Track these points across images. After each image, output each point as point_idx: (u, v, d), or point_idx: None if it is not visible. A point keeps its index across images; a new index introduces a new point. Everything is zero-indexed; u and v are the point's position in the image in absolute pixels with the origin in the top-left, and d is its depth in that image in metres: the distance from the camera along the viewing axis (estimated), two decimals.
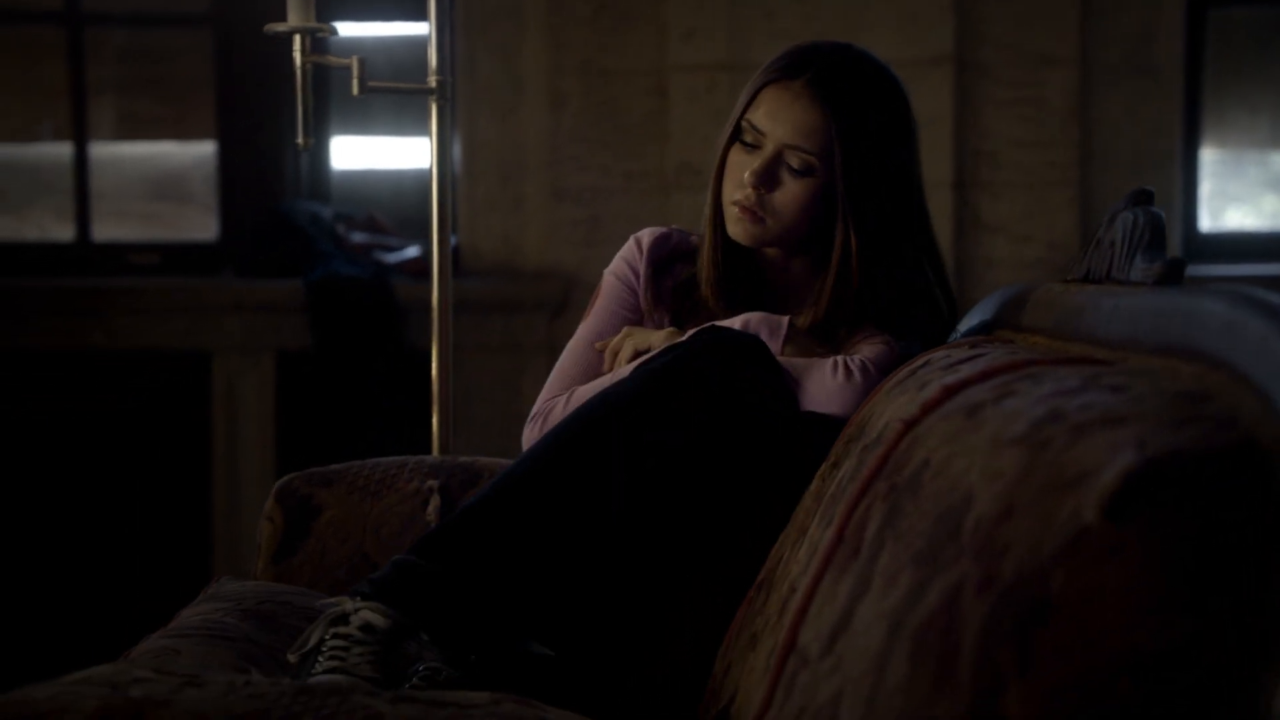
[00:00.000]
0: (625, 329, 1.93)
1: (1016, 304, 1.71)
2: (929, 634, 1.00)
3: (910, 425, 1.30)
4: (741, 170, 1.84)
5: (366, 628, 1.57)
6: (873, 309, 1.87)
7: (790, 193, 1.83)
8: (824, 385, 1.78)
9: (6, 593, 4.00)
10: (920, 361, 1.63)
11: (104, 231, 4.23)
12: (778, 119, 1.82)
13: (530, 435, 1.90)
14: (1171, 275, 1.30)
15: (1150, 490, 0.89)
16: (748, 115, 1.85)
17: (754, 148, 1.85)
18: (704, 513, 1.67)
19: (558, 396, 1.92)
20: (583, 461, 1.67)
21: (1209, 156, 4.03)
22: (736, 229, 1.86)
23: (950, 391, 1.30)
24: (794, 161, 1.83)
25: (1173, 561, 0.89)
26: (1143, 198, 1.44)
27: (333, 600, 1.63)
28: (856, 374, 1.78)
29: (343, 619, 1.58)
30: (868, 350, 1.83)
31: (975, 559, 0.99)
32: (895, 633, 1.05)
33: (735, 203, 1.85)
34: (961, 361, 1.45)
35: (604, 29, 3.90)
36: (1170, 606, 0.88)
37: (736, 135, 1.86)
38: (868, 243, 1.84)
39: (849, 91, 1.82)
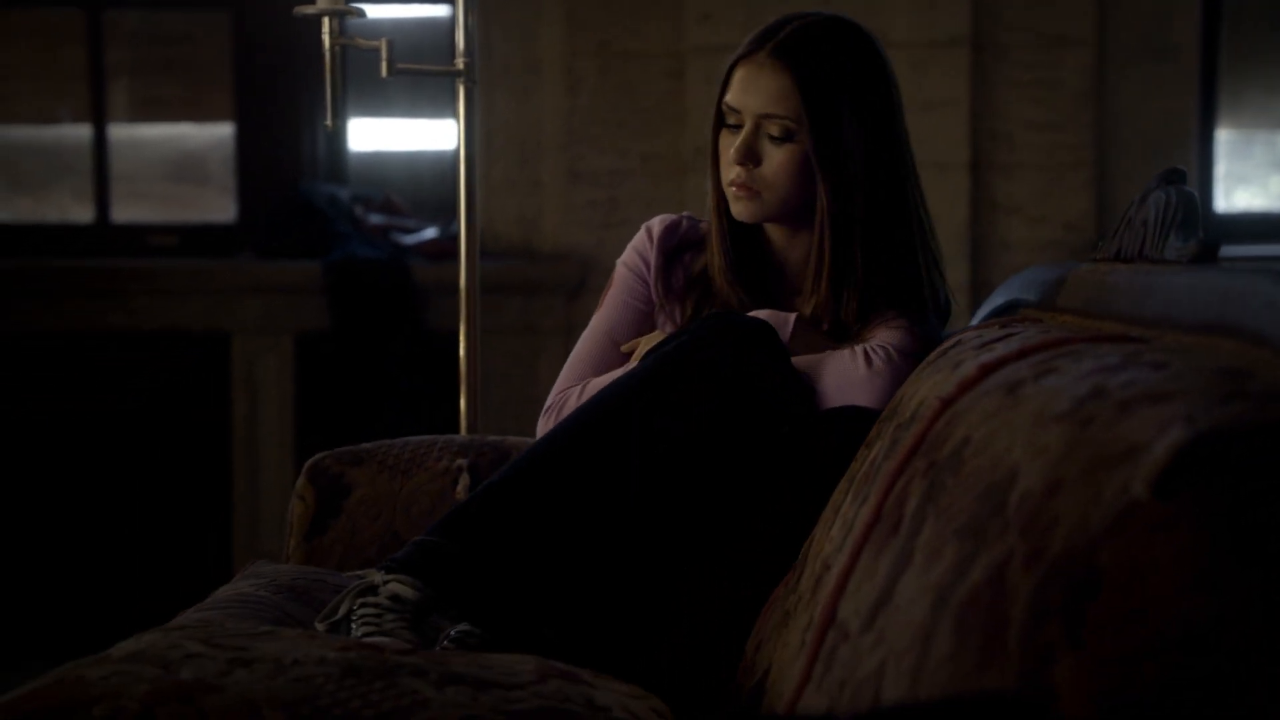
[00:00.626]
0: (643, 339, 1.94)
1: (1044, 284, 1.71)
2: (975, 607, 1.01)
3: (948, 403, 1.31)
4: (728, 150, 1.87)
5: (395, 598, 1.59)
6: (875, 285, 1.86)
7: (776, 161, 1.85)
8: (845, 376, 1.79)
9: (27, 570, 4.02)
10: (950, 342, 1.64)
11: (123, 213, 4.25)
12: (749, 92, 1.84)
13: (545, 427, 1.92)
14: (1206, 254, 1.32)
15: (1199, 465, 0.90)
16: (725, 98, 1.88)
17: (737, 127, 1.87)
18: (718, 497, 1.69)
19: (571, 388, 1.93)
20: (597, 448, 1.69)
21: (1220, 137, 4.03)
22: (737, 208, 1.88)
23: (988, 370, 1.31)
24: (773, 130, 1.84)
25: (1220, 537, 0.90)
26: (1175, 177, 1.45)
27: (358, 573, 1.65)
28: (879, 362, 1.79)
29: (371, 590, 1.61)
30: (886, 335, 1.83)
31: (1022, 534, 1.00)
32: (940, 606, 1.06)
33: (730, 183, 1.87)
34: (995, 340, 1.46)
35: (621, 11, 3.91)
36: (1217, 581, 0.89)
37: (720, 120, 1.89)
38: (846, 203, 1.84)
39: (814, 51, 1.83)
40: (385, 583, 1.61)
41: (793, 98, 1.82)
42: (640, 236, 2.00)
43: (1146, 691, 0.87)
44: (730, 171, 1.87)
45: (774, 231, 1.93)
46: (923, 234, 1.91)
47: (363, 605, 1.59)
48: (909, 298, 1.88)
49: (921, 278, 1.89)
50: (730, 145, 1.87)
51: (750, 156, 1.85)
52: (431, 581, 1.62)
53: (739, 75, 1.86)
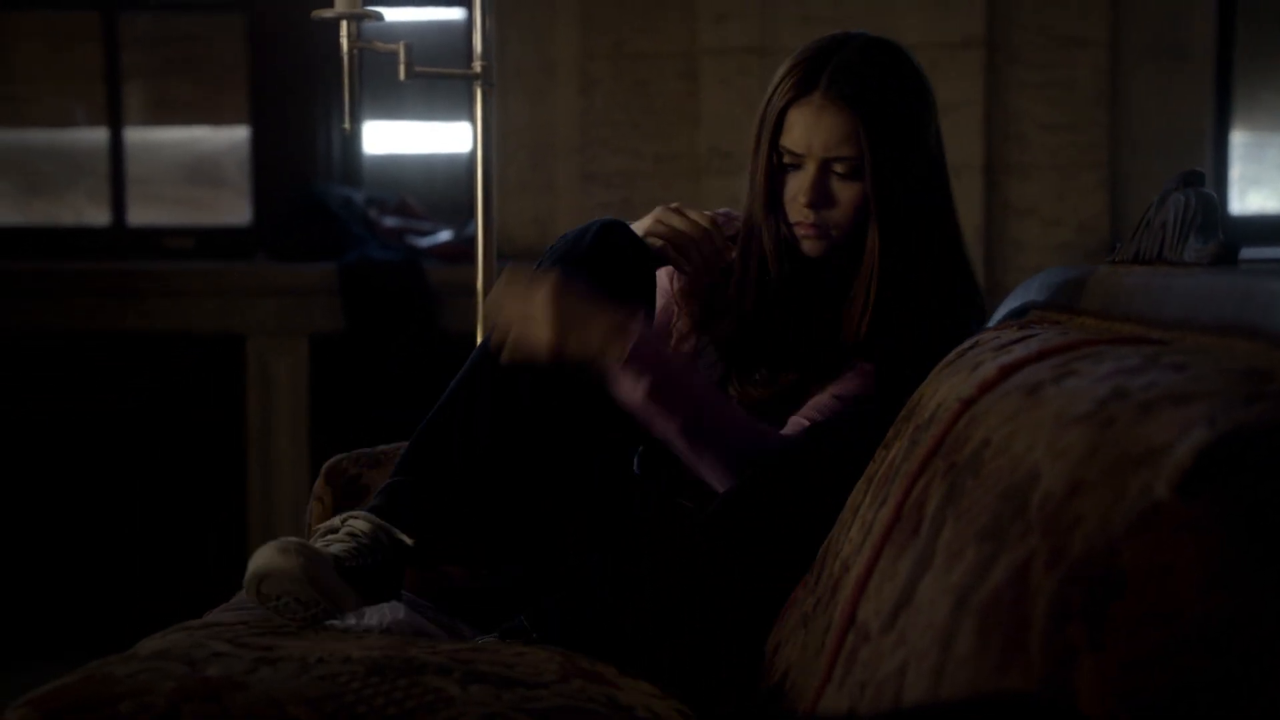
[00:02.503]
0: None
1: (1062, 285, 1.72)
2: (997, 608, 1.02)
3: (968, 404, 1.32)
4: (795, 192, 1.87)
5: (353, 534, 1.69)
6: (908, 315, 1.88)
7: (846, 200, 1.86)
8: (753, 447, 1.82)
9: (44, 568, 4.03)
10: (968, 343, 1.64)
11: (139, 215, 4.27)
12: (811, 137, 1.84)
13: None
14: (1226, 255, 1.32)
15: (1222, 466, 0.90)
16: (781, 142, 1.87)
17: (797, 168, 1.87)
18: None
19: None
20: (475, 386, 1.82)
21: (1234, 139, 4.02)
22: (808, 246, 1.90)
23: (1007, 371, 1.31)
24: (840, 169, 1.85)
25: (1237, 537, 0.90)
26: (1194, 179, 1.45)
27: (326, 522, 1.75)
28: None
29: (333, 530, 1.71)
30: (826, 404, 1.87)
31: (1043, 535, 1.01)
32: (961, 607, 1.07)
33: (797, 224, 1.88)
34: (1013, 342, 1.46)
35: (635, 12, 3.91)
36: (1241, 581, 0.89)
37: (779, 160, 1.88)
38: (897, 247, 1.86)
39: (872, 87, 1.83)
40: (344, 520, 1.71)
41: (855, 136, 1.82)
42: None
43: (1165, 692, 0.87)
44: (797, 214, 1.88)
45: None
46: (966, 276, 1.93)
47: (327, 545, 1.68)
48: (899, 353, 1.88)
49: (943, 330, 1.89)
50: (793, 187, 1.87)
51: (824, 200, 1.86)
52: (395, 514, 1.73)
53: (795, 120, 1.85)
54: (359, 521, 1.71)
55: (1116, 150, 3.84)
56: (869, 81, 1.83)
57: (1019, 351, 1.38)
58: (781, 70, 1.88)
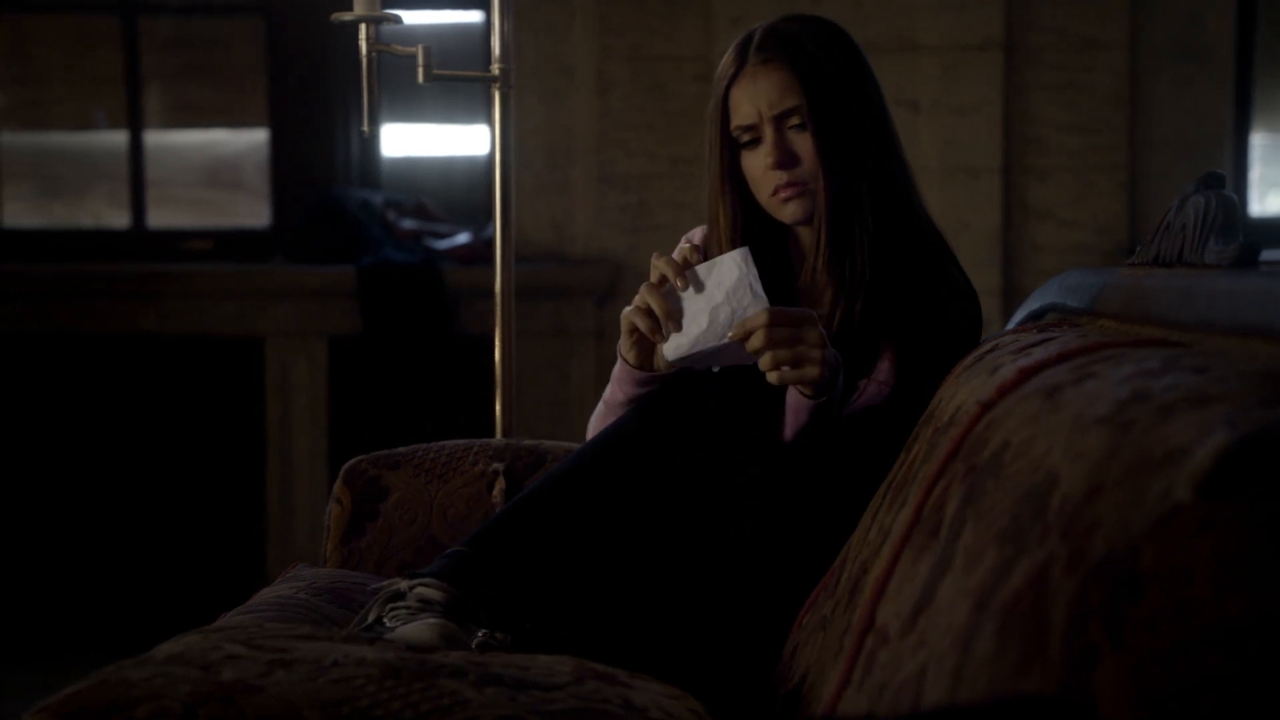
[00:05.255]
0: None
1: (1082, 288, 1.71)
2: (1017, 610, 1.02)
3: (987, 407, 1.32)
4: (762, 166, 1.86)
5: (424, 600, 1.61)
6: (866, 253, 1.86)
7: (808, 150, 1.85)
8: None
9: (62, 570, 4.05)
10: (987, 346, 1.64)
11: (158, 218, 4.29)
12: (756, 102, 1.84)
13: (593, 425, 1.95)
14: (1246, 258, 1.31)
15: (1243, 468, 0.90)
16: (733, 126, 1.87)
17: (756, 142, 1.86)
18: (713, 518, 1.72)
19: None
20: (607, 472, 1.74)
21: (1254, 141, 4.01)
22: (790, 210, 1.87)
23: (1026, 374, 1.31)
24: (793, 122, 1.85)
25: (1258, 538, 0.90)
26: (1214, 181, 1.45)
27: (386, 582, 1.66)
28: None
29: (399, 595, 1.63)
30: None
31: (1063, 537, 1.01)
32: (981, 609, 1.06)
33: (775, 193, 1.86)
34: (1033, 345, 1.46)
35: (652, 14, 3.91)
36: (1261, 580, 0.89)
37: (734, 147, 1.88)
38: (848, 182, 1.84)
39: (796, 40, 1.84)
40: (412, 588, 1.63)
41: (795, 84, 1.83)
42: (678, 250, 2.02)
43: (1185, 694, 0.87)
44: (771, 181, 1.86)
45: (806, 235, 1.93)
46: (940, 245, 1.90)
47: (393, 609, 1.60)
48: (917, 326, 1.85)
49: (941, 300, 1.87)
50: (757, 162, 1.86)
51: (790, 156, 1.84)
52: (457, 584, 1.64)
53: (739, 95, 1.86)
54: (430, 590, 1.63)
55: (1135, 152, 3.83)
56: (793, 36, 1.85)
57: (1038, 354, 1.37)
58: (717, 70, 1.91)
